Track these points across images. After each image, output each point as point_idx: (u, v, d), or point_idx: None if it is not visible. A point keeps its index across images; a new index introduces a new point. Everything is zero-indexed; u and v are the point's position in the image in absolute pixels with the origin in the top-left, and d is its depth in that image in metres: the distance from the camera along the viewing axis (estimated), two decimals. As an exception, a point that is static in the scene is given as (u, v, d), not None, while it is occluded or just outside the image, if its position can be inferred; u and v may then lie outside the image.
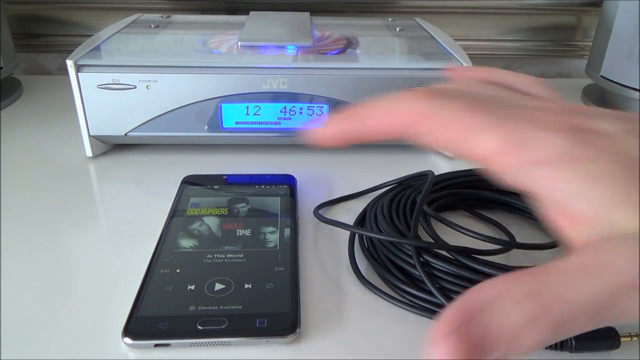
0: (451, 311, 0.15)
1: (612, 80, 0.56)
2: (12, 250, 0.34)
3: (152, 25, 0.54)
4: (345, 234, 0.35)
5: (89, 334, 0.28)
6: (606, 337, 0.27)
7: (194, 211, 0.36)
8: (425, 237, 0.34)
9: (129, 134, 0.44)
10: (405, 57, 0.48)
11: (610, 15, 0.56)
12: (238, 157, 0.47)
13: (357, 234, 0.35)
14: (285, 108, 0.44)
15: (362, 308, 0.30)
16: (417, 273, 0.29)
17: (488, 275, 0.28)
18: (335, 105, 0.44)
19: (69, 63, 0.42)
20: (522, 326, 0.15)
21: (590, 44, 0.62)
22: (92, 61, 0.43)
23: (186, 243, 0.33)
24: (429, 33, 0.54)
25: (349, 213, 0.38)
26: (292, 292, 0.29)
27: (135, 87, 0.43)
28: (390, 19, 0.60)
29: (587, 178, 0.17)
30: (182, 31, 0.53)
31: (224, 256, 0.32)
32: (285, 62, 0.44)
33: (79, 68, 0.42)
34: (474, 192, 0.39)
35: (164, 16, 0.59)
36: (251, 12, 0.58)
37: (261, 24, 0.54)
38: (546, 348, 0.26)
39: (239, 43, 0.47)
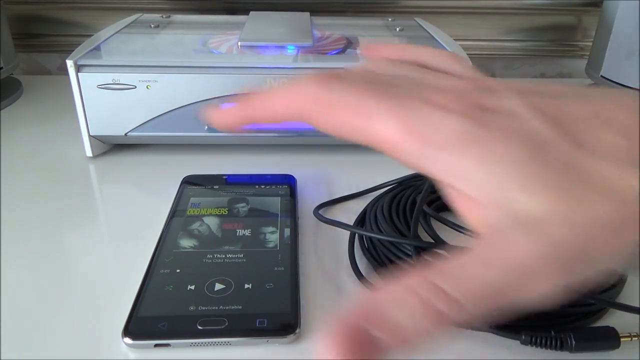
0: (352, 309, 0.15)
1: (612, 80, 0.56)
2: (12, 251, 0.34)
3: (152, 25, 0.54)
4: (345, 234, 0.35)
5: (89, 334, 0.28)
6: (606, 337, 0.27)
7: (194, 211, 0.36)
8: (425, 237, 0.34)
9: (129, 134, 0.44)
10: (405, 57, 0.48)
11: (610, 15, 0.56)
12: (238, 157, 0.47)
13: (357, 234, 0.35)
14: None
15: (362, 308, 0.30)
16: (417, 273, 0.29)
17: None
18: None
19: (69, 63, 0.42)
20: (410, 323, 0.15)
21: (590, 44, 0.62)
22: (92, 61, 0.43)
23: (186, 243, 0.33)
24: (429, 33, 0.54)
25: (349, 213, 0.38)
26: (292, 292, 0.29)
27: (135, 87, 0.43)
28: (390, 19, 0.60)
29: (485, 161, 0.16)
30: (182, 31, 0.53)
31: (224, 256, 0.32)
32: (285, 62, 0.44)
33: (79, 68, 0.42)
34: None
35: (164, 16, 0.59)
36: (251, 12, 0.58)
37: (261, 24, 0.54)
38: (546, 348, 0.26)
39: (239, 43, 0.47)
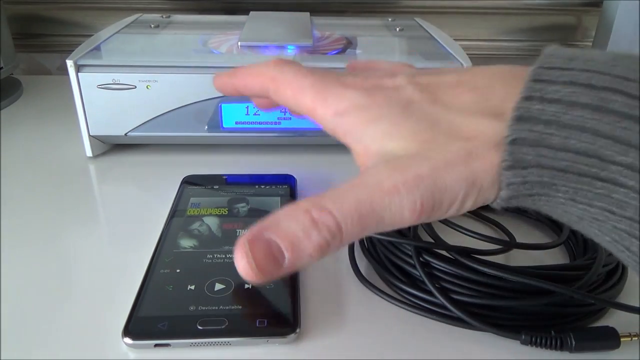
0: (248, 232, 0.21)
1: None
2: (12, 250, 0.34)
3: (152, 25, 0.54)
4: (345, 234, 0.35)
5: (89, 334, 0.28)
6: (606, 337, 0.27)
7: (194, 211, 0.36)
8: (425, 237, 0.34)
9: (129, 134, 0.44)
10: (405, 57, 0.48)
11: (610, 15, 0.56)
12: (238, 157, 0.47)
13: (357, 234, 0.35)
14: (285, 108, 0.44)
15: (362, 308, 0.30)
16: (417, 273, 0.29)
17: (488, 275, 0.28)
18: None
19: (69, 63, 0.42)
20: (301, 233, 0.20)
21: (590, 44, 0.62)
22: (92, 61, 0.43)
23: (186, 243, 0.33)
24: (429, 33, 0.54)
25: (349, 213, 0.38)
26: (292, 292, 0.29)
27: (135, 87, 0.43)
28: (390, 19, 0.60)
29: (368, 120, 0.22)
30: (182, 31, 0.53)
31: (224, 256, 0.32)
32: (285, 62, 0.44)
33: (79, 68, 0.42)
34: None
35: (164, 16, 0.59)
36: (251, 12, 0.58)
37: (261, 24, 0.54)
38: (546, 348, 0.26)
39: (239, 43, 0.47)
